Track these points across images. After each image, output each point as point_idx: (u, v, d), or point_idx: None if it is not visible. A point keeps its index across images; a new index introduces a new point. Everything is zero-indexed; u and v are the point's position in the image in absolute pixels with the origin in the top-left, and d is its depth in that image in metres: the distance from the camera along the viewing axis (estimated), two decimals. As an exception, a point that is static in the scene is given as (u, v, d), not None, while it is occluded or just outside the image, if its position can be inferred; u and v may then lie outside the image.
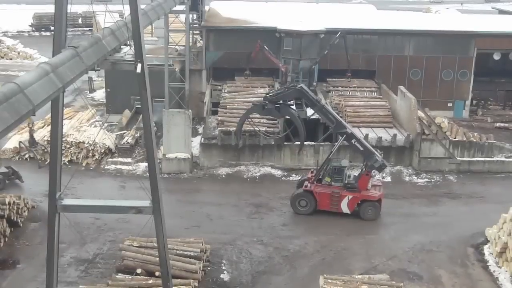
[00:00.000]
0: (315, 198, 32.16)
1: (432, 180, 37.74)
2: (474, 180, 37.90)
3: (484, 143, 39.98)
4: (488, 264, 27.61)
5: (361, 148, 32.03)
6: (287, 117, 34.90)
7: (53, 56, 16.22)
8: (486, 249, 28.65)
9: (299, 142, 35.00)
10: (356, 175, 32.44)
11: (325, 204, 32.17)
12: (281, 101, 32.88)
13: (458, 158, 39.11)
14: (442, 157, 38.99)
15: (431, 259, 27.95)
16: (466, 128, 44.33)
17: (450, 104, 50.87)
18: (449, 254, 28.46)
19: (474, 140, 40.39)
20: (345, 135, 32.12)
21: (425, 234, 30.37)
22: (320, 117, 41.43)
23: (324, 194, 32.10)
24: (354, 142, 32.05)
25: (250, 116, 35.20)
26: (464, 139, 40.70)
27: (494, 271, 27.02)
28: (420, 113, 41.02)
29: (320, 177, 32.76)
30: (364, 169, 32.09)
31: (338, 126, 32.27)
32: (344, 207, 31.98)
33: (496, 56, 52.00)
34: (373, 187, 32.48)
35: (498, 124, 48.89)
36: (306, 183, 32.96)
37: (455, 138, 40.82)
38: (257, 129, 37.06)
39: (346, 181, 32.19)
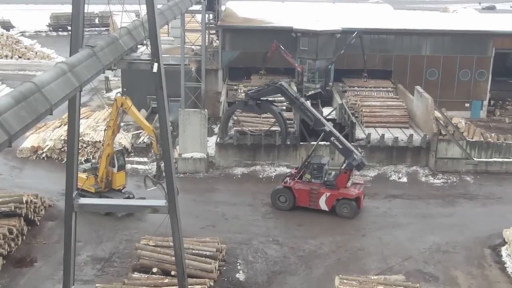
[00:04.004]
0: (293, 195, 32.31)
1: (449, 180, 37.46)
2: (491, 181, 37.57)
3: (501, 143, 39.58)
4: (505, 265, 27.33)
5: (340, 146, 32.14)
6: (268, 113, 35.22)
7: (70, 55, 16.33)
8: (504, 251, 28.36)
9: (315, 142, 35.01)
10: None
11: (304, 201, 32.34)
12: (263, 98, 33.42)
13: (475, 158, 38.80)
14: (459, 157, 38.73)
15: (448, 260, 27.75)
16: (484, 129, 43.87)
17: (467, 105, 50.46)
18: (466, 255, 28.25)
19: (492, 141, 39.98)
20: (323, 133, 32.18)
21: (441, 235, 30.15)
22: (338, 118, 41.53)
23: (302, 191, 32.28)
24: (333, 140, 32.14)
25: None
26: (482, 139, 40.31)
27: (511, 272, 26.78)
28: (437, 113, 40.74)
29: (301, 173, 32.92)
30: (343, 167, 32.07)
31: (317, 124, 32.44)
32: (323, 204, 32.08)
33: (515, 56, 51.58)
34: (353, 185, 32.45)
35: (516, 125, 48.50)
36: (286, 179, 33.16)
37: (472, 138, 40.43)
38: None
39: (325, 178, 32.24)
